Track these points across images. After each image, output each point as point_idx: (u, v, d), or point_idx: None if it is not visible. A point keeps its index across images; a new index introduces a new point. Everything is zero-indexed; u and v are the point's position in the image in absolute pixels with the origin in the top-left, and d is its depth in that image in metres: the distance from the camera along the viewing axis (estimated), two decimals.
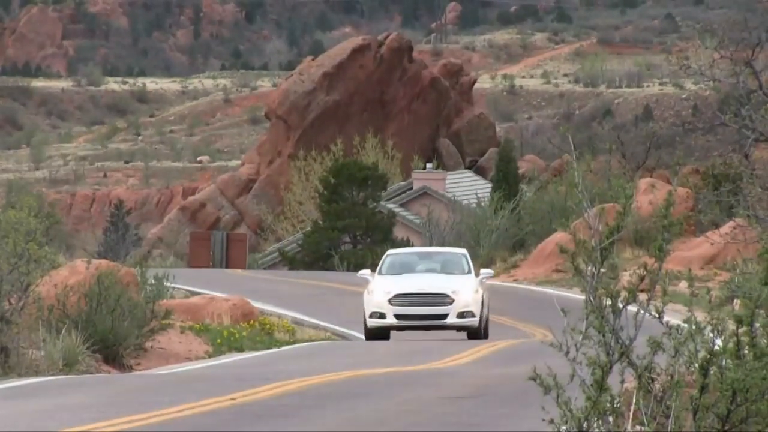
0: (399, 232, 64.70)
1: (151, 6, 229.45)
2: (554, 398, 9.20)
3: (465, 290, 32.84)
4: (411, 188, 71.81)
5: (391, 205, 67.61)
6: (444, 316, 32.56)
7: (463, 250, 37.46)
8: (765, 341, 9.57)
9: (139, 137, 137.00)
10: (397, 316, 32.54)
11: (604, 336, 9.47)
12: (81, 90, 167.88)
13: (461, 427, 16.49)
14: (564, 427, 9.34)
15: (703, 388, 9.38)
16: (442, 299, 32.81)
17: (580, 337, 9.46)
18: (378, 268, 34.67)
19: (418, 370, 25.44)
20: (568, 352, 9.36)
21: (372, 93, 72.78)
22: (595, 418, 9.29)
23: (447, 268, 34.83)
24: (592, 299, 9.58)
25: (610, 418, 9.32)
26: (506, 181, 63.46)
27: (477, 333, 32.74)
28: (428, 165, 74.05)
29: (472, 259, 58.03)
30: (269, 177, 72.05)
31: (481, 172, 73.60)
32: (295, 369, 25.13)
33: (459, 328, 33.00)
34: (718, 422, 9.36)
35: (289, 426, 16.14)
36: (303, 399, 19.27)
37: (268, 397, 18.98)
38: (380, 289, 32.86)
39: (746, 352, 9.56)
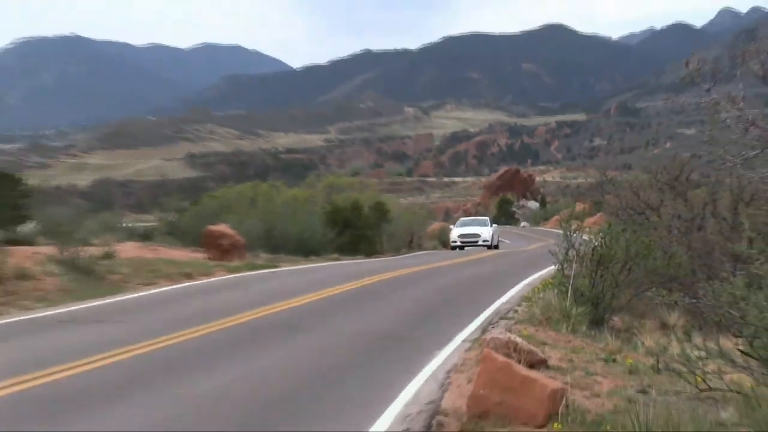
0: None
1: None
2: (554, 257, 13.71)
3: (485, 232, 44.18)
4: (519, 203, 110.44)
5: (514, 209, 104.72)
6: (476, 242, 43.61)
7: (487, 218, 48.71)
8: (609, 241, 13.39)
9: (452, 195, 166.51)
10: (461, 242, 43.90)
11: (567, 242, 13.64)
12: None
13: (511, 273, 21.11)
14: (557, 264, 13.57)
15: (593, 255, 13.42)
16: (477, 236, 44.02)
17: (562, 242, 13.55)
18: (456, 223, 47.97)
19: (507, 251, 38.83)
20: (558, 246, 13.50)
21: (508, 182, 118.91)
22: (566, 262, 13.47)
23: (480, 224, 46.10)
24: (565, 232, 13.69)
25: (569, 263, 13.51)
26: (543, 203, 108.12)
27: (490, 247, 42.92)
28: (523, 199, 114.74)
29: (531, 223, 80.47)
30: (484, 204, 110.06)
31: (536, 201, 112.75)
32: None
33: (483, 246, 43.13)
34: (597, 264, 13.29)
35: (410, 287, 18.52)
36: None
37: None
38: (455, 233, 44.97)
39: (606, 245, 13.34)
